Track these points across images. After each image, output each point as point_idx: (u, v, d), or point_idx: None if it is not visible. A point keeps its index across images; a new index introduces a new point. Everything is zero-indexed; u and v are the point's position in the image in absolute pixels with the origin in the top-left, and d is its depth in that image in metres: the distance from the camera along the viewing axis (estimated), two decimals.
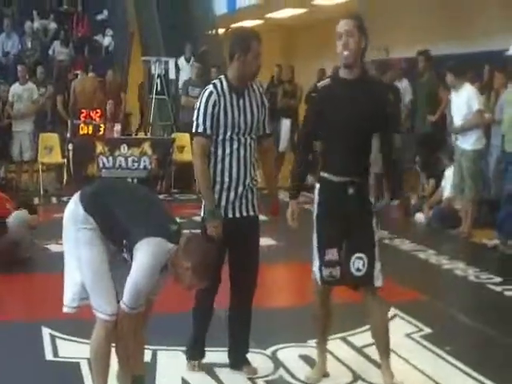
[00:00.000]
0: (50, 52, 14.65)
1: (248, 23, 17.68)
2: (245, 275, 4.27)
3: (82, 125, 11.29)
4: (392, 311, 5.39)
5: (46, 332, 4.91)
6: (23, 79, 11.63)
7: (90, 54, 14.85)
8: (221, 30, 16.16)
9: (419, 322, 5.20)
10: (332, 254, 4.02)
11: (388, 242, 7.99)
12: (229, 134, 4.15)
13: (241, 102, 4.18)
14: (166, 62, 12.89)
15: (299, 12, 17.45)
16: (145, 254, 3.34)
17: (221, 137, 4.16)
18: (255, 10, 17.05)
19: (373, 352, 4.63)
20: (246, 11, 17.31)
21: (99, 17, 16.38)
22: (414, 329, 5.11)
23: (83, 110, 11.45)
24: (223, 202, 4.19)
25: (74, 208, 3.53)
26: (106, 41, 15.68)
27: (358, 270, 3.99)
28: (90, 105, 11.84)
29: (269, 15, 17.87)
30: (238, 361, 4.39)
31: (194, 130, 4.20)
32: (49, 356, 4.58)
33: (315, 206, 4.13)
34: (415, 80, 10.51)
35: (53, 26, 15.49)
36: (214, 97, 4.15)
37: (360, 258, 3.99)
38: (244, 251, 4.24)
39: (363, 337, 4.87)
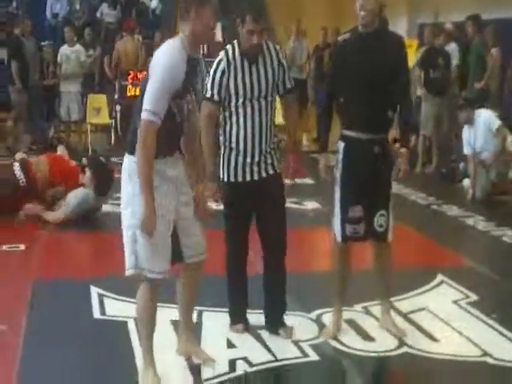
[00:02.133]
0: (98, 14, 14.66)
1: None
2: (273, 233, 4.23)
3: (129, 86, 11.36)
4: (439, 278, 5.37)
5: (94, 291, 4.98)
6: (71, 41, 11.69)
7: (138, 17, 14.85)
8: None
9: (466, 289, 5.15)
10: (357, 211, 4.15)
11: (436, 207, 7.92)
12: (241, 100, 4.09)
13: (253, 68, 4.09)
14: None
15: None
16: (159, 56, 3.43)
17: (233, 103, 4.10)
18: None
19: (418, 318, 4.62)
20: None
21: None
22: (460, 296, 5.06)
23: (131, 72, 11.50)
24: (239, 167, 4.14)
25: (126, 162, 3.53)
26: (153, 3, 15.63)
27: (381, 226, 4.21)
28: (132, 66, 11.86)
29: None
30: (274, 323, 4.34)
31: (203, 94, 4.17)
32: (96, 314, 4.65)
33: (339, 164, 4.18)
34: (464, 45, 10.28)
35: None
36: (222, 64, 4.11)
37: (383, 215, 4.20)
38: (268, 210, 4.20)
39: (409, 303, 4.87)
